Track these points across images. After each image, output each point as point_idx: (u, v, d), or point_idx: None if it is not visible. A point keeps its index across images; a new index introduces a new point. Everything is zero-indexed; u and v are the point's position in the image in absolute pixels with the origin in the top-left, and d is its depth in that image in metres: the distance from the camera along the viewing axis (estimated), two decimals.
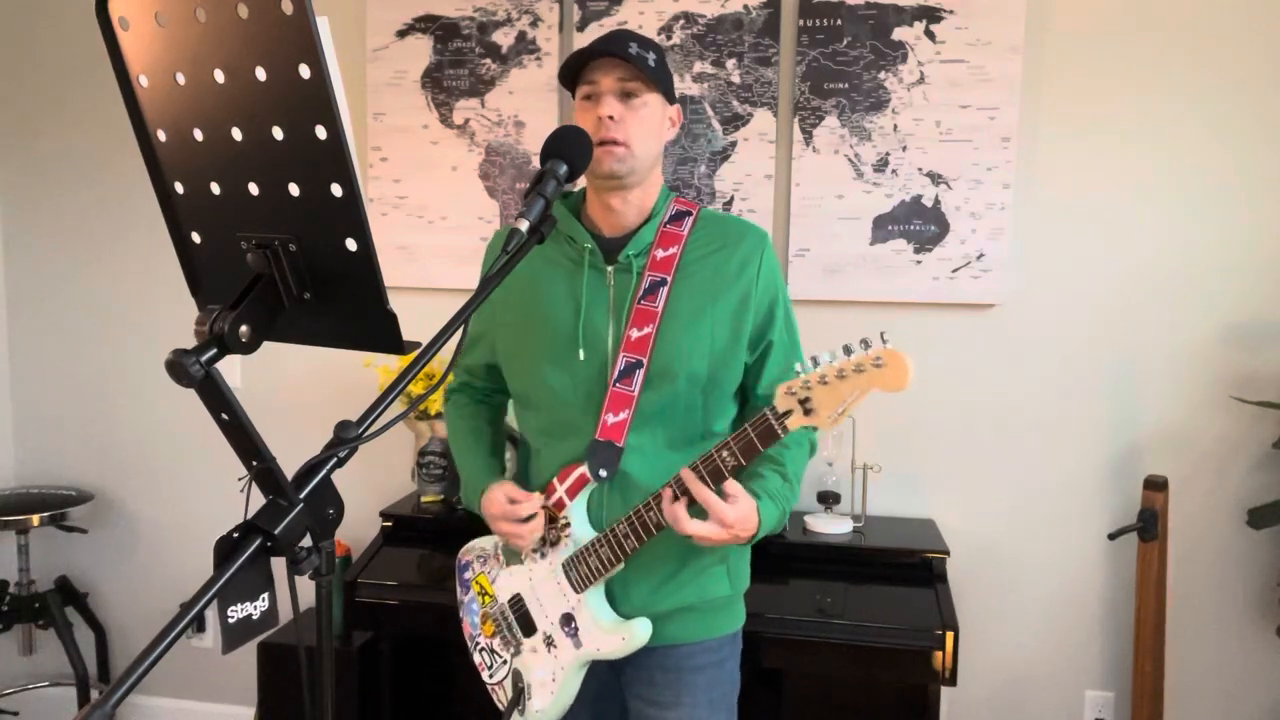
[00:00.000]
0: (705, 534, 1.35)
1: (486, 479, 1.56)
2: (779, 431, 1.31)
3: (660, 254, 1.48)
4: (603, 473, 1.46)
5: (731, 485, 1.35)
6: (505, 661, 1.60)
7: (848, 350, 1.24)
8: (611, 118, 1.40)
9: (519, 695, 1.57)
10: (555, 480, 1.51)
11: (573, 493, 1.50)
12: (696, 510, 1.35)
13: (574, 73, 1.46)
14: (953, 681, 2.00)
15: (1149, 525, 2.22)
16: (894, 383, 1.20)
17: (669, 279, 1.47)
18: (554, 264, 1.52)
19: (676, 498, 1.36)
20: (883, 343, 1.21)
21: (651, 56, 1.43)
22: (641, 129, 1.43)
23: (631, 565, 1.46)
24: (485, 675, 1.64)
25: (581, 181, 1.45)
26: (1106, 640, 2.43)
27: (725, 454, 1.34)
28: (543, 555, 1.54)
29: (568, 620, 1.51)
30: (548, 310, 1.51)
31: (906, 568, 2.19)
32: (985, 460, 2.44)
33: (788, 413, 1.30)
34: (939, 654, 2.00)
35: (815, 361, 1.27)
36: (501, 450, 1.69)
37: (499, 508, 1.49)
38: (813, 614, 2.07)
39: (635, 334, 1.46)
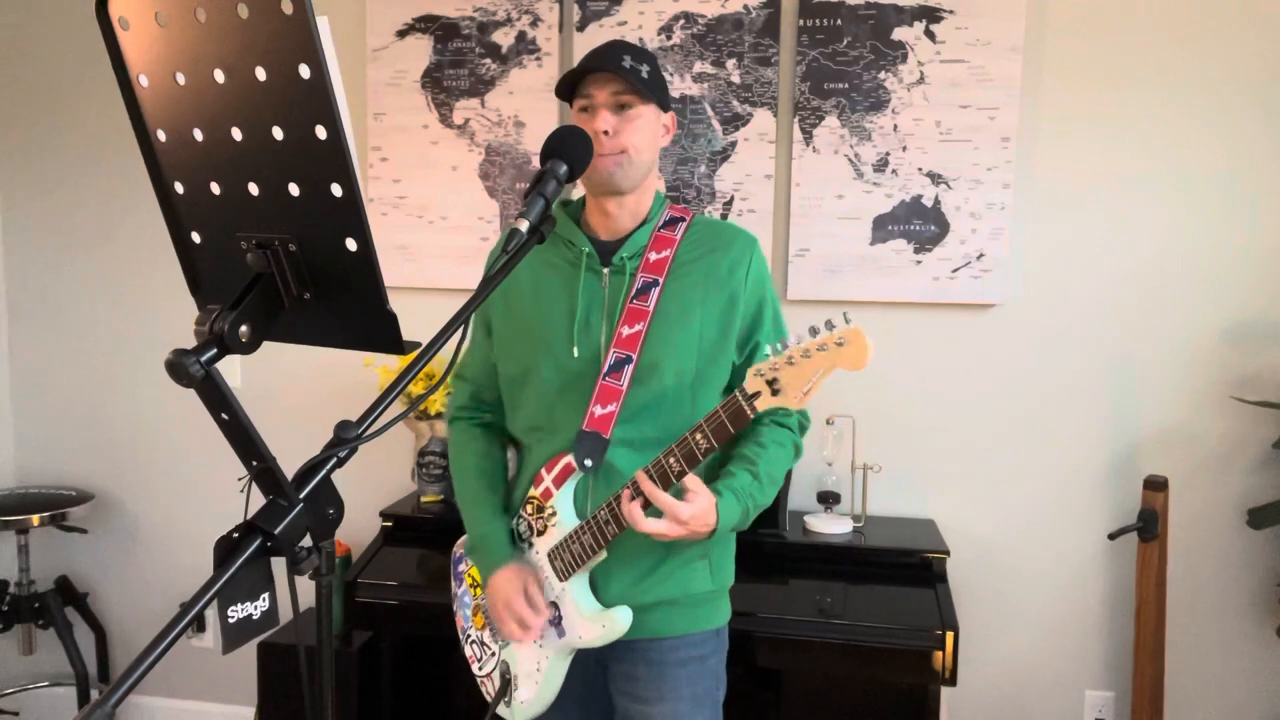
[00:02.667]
0: (660, 531, 1.38)
1: (503, 553, 1.56)
2: (748, 412, 1.34)
3: (653, 256, 1.53)
4: (588, 463, 1.48)
5: (691, 480, 1.39)
6: (494, 654, 1.62)
7: (814, 331, 1.27)
8: (607, 133, 1.45)
9: (505, 686, 1.58)
10: (543, 469, 1.54)
11: (559, 482, 1.52)
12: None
13: (570, 85, 1.50)
14: (953, 681, 2.00)
15: (1149, 525, 2.22)
16: (854, 360, 1.24)
17: (661, 280, 1.51)
18: (553, 267, 1.56)
19: (634, 498, 1.40)
20: (845, 323, 1.24)
21: (645, 69, 1.47)
22: (637, 137, 1.47)
23: (614, 556, 1.48)
24: (475, 668, 1.66)
25: (579, 189, 1.48)
26: (1106, 640, 2.43)
27: (698, 436, 1.37)
28: (530, 545, 1.56)
29: (552, 609, 1.53)
30: (545, 311, 1.54)
31: (906, 568, 2.19)
32: (985, 460, 2.44)
33: (756, 394, 1.33)
34: (939, 654, 2.00)
35: (785, 344, 1.30)
36: (507, 486, 1.67)
37: (514, 598, 1.50)
38: (812, 614, 2.07)
39: (626, 331, 1.49)
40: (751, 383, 1.33)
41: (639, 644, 1.53)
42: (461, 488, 1.64)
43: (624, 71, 1.43)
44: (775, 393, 1.31)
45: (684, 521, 1.37)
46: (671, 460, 1.39)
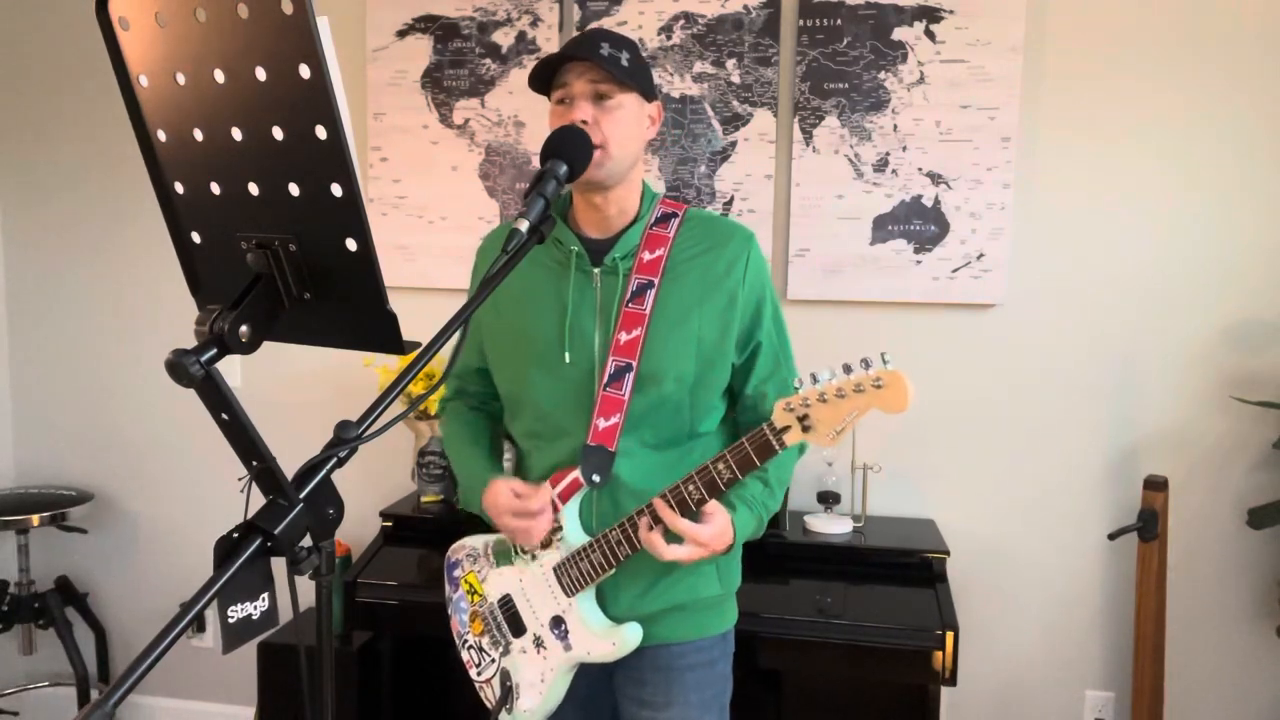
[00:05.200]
0: (683, 557, 1.37)
1: (487, 474, 1.55)
2: (776, 447, 1.32)
3: (647, 256, 1.48)
4: (595, 478, 1.45)
5: (709, 504, 1.38)
6: (494, 660, 1.60)
7: (848, 369, 1.24)
8: (585, 122, 1.38)
9: (506, 694, 1.57)
10: (547, 484, 1.51)
11: (565, 497, 1.49)
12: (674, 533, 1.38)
13: (547, 77, 1.44)
14: (953, 681, 2.00)
15: (1149, 525, 2.22)
16: (894, 404, 1.21)
17: (656, 281, 1.47)
18: (541, 267, 1.51)
19: (652, 527, 1.38)
20: (884, 363, 1.21)
21: (625, 56, 1.40)
22: (617, 130, 1.40)
23: (622, 568, 1.46)
24: (473, 673, 1.65)
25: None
26: (1106, 640, 2.43)
27: (721, 467, 1.35)
28: (534, 557, 1.54)
29: (558, 623, 1.51)
30: (534, 314, 1.50)
31: (906, 568, 2.19)
32: (985, 460, 2.44)
33: (785, 428, 1.30)
34: (939, 654, 2.00)
35: (815, 378, 1.26)
36: (499, 453, 1.68)
37: (505, 500, 1.48)
38: (812, 614, 2.07)
39: (624, 337, 1.45)
40: (781, 417, 1.30)
41: (647, 650, 1.51)
42: (451, 452, 1.67)
43: (602, 60, 1.36)
44: (806, 429, 1.28)
45: (704, 544, 1.36)
46: (691, 488, 1.37)
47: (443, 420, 1.72)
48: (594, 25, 2.49)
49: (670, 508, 1.37)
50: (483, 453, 1.63)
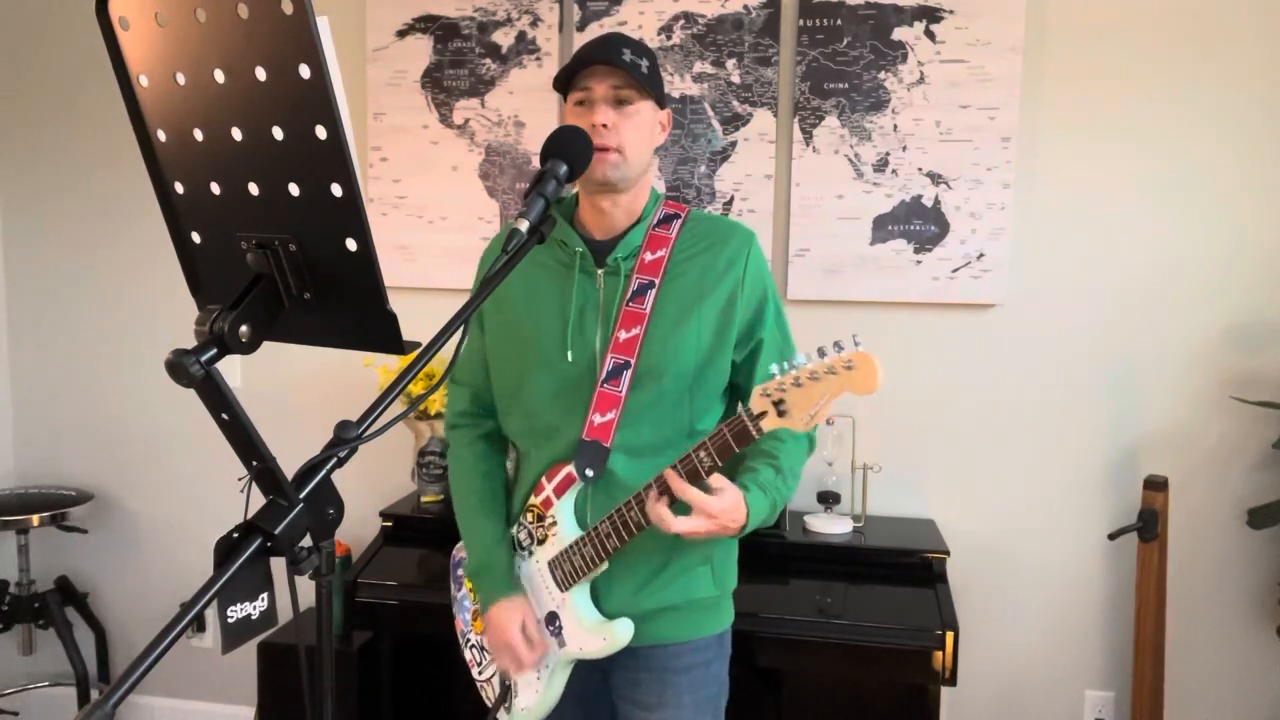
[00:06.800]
0: (692, 529, 1.34)
1: (503, 586, 1.53)
2: (753, 433, 1.31)
3: (649, 256, 1.49)
4: (589, 472, 1.46)
5: (717, 479, 1.35)
6: (494, 659, 1.60)
7: (821, 352, 1.25)
8: (605, 125, 1.41)
9: (505, 693, 1.57)
10: (543, 479, 1.52)
11: (560, 491, 1.50)
12: (682, 509, 1.35)
13: (567, 78, 1.46)
14: (953, 681, 2.00)
15: (1149, 525, 2.22)
16: (863, 385, 1.21)
17: (657, 281, 1.48)
18: (545, 268, 1.53)
19: (660, 497, 1.36)
20: (855, 345, 1.22)
21: (644, 63, 1.44)
22: (634, 135, 1.44)
23: (615, 564, 1.46)
24: (475, 672, 1.65)
25: (573, 186, 1.46)
26: (1106, 640, 2.43)
27: (702, 454, 1.35)
28: (530, 554, 1.54)
29: (552, 619, 1.52)
30: (538, 314, 1.51)
31: (906, 568, 2.19)
32: (985, 460, 2.44)
33: (762, 414, 1.30)
34: (939, 654, 2.00)
35: (791, 364, 1.27)
36: (505, 512, 1.64)
37: (514, 639, 1.49)
38: (812, 614, 2.07)
39: (623, 335, 1.46)
40: (757, 402, 1.30)
41: (641, 650, 1.51)
42: (461, 506, 1.61)
43: (625, 65, 1.40)
44: (781, 414, 1.28)
45: (714, 515, 1.34)
46: (672, 474, 1.36)
47: (451, 445, 1.67)
48: (609, 30, 2.49)
49: (682, 477, 1.35)
50: (495, 532, 1.57)
